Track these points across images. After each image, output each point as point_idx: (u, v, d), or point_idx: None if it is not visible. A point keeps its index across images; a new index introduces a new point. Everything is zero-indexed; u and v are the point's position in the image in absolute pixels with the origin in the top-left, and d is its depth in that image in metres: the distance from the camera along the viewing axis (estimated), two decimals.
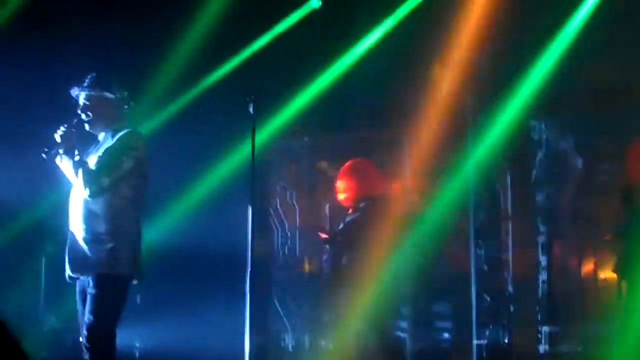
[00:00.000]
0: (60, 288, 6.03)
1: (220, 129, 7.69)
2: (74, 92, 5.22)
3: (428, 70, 7.78)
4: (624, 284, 6.71)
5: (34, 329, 7.59)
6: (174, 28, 7.78)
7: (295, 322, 8.29)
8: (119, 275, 5.01)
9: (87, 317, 4.95)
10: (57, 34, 7.47)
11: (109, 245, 4.98)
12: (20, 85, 7.35)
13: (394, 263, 7.19)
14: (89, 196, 5.00)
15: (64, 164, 5.07)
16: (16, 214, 7.60)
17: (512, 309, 7.63)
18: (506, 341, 7.57)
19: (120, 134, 5.13)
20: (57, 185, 5.42)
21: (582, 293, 7.85)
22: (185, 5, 7.81)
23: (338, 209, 7.68)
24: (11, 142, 7.18)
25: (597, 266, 7.50)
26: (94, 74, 5.24)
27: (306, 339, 8.25)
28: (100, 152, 5.12)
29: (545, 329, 7.66)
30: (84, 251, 5.02)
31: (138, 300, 7.89)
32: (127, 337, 7.74)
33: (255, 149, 5.38)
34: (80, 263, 5.04)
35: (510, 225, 7.75)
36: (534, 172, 7.86)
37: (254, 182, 5.34)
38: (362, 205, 6.98)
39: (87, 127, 5.20)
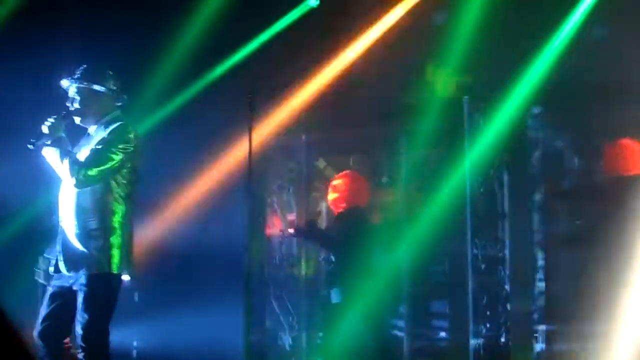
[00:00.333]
0: None
1: (218, 127, 7.68)
2: (64, 83, 5.15)
3: (425, 67, 7.79)
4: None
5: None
6: (173, 24, 7.76)
7: (292, 321, 8.28)
8: (112, 273, 4.96)
9: (81, 316, 4.90)
10: (52, 26, 7.42)
11: (101, 241, 4.93)
12: (15, 81, 7.31)
13: (391, 263, 7.21)
14: (75, 185, 4.93)
15: (50, 154, 4.98)
16: (14, 213, 7.58)
17: (509, 307, 7.63)
18: (503, 340, 7.56)
19: (113, 126, 5.04)
20: (54, 182, 5.38)
21: (579, 292, 7.86)
22: (184, 1, 7.80)
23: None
24: (11, 141, 7.15)
25: (593, 264, 7.51)
26: (85, 66, 5.18)
27: (303, 337, 8.25)
28: (92, 145, 5.04)
29: (542, 327, 7.67)
30: (76, 248, 4.96)
31: (136, 299, 7.90)
32: (125, 336, 7.74)
33: (253, 147, 5.37)
34: (73, 260, 4.97)
35: (507, 224, 7.75)
36: (531, 170, 7.87)
37: (251, 180, 5.33)
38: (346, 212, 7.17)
39: (76, 119, 5.13)
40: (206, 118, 7.86)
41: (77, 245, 4.97)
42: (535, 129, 7.91)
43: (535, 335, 7.63)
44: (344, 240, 7.03)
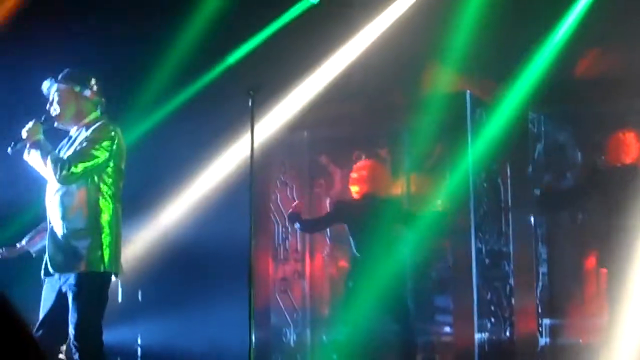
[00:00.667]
0: None
1: (220, 125, 7.69)
2: (45, 85, 5.16)
3: (427, 64, 7.78)
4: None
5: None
6: (173, 23, 7.76)
7: (296, 317, 8.28)
8: (102, 272, 4.94)
9: (72, 316, 4.88)
10: (40, 29, 7.41)
11: (89, 240, 4.91)
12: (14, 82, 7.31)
13: (396, 257, 7.21)
14: (59, 181, 4.92)
15: (32, 157, 4.98)
16: (14, 213, 7.58)
17: (513, 301, 7.63)
18: (507, 334, 7.57)
19: (94, 126, 5.06)
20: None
21: (583, 285, 7.86)
22: (184, 0, 7.80)
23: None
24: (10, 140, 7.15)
25: (598, 258, 7.51)
26: (67, 69, 5.18)
27: (308, 334, 8.26)
28: (75, 145, 5.03)
29: (546, 321, 7.67)
30: (64, 248, 4.95)
31: (139, 297, 7.91)
32: (129, 334, 7.76)
33: (255, 144, 5.37)
34: (61, 260, 4.95)
35: (510, 218, 7.75)
36: (533, 164, 7.87)
37: (253, 176, 5.33)
38: (366, 201, 7.16)
39: (57, 122, 5.13)
40: (207, 116, 7.86)
41: (65, 245, 4.95)
42: (538, 123, 7.91)
43: (539, 329, 7.63)
44: (362, 226, 7.07)
